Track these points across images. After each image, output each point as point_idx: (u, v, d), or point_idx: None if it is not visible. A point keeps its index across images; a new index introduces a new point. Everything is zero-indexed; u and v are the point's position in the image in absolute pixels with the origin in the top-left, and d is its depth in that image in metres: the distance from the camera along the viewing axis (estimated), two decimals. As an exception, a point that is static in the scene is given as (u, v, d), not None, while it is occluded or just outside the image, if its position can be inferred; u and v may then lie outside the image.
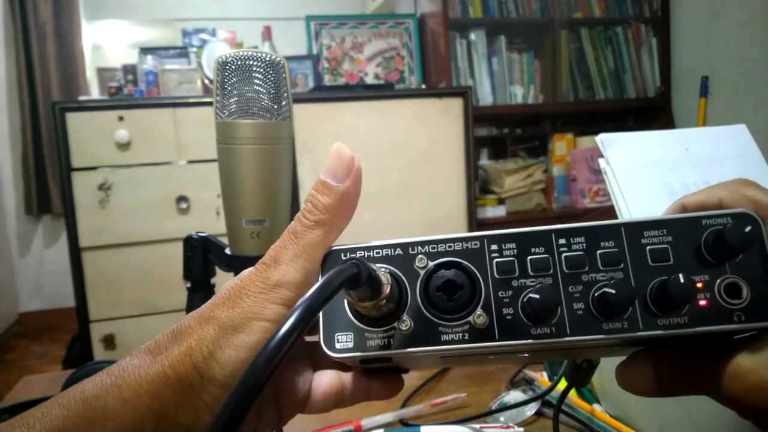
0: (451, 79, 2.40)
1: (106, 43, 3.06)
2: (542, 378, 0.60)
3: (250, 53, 0.41)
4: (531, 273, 0.22)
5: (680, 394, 0.22)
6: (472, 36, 2.46)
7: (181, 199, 1.88)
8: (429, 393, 0.62)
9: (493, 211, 2.38)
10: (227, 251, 0.44)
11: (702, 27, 2.45)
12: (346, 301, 0.22)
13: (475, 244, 0.22)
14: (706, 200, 0.24)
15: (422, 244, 0.23)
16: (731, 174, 0.69)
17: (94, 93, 2.92)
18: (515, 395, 0.58)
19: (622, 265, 0.22)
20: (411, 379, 0.65)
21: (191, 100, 1.90)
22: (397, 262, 0.23)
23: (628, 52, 2.61)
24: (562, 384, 0.55)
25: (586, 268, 0.22)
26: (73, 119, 1.79)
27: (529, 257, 0.22)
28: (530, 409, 0.55)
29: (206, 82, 2.04)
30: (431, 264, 0.22)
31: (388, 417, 0.55)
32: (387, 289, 0.21)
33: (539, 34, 2.54)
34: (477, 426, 0.52)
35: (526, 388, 0.60)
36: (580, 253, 0.22)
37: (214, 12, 3.14)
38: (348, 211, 0.26)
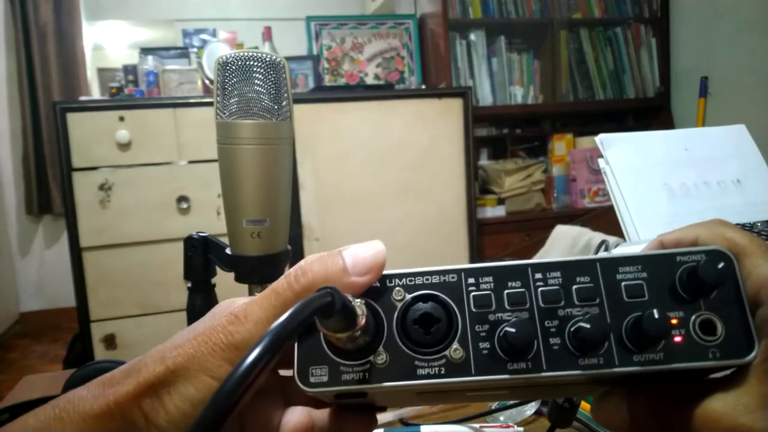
0: (451, 80, 2.41)
1: (106, 43, 3.07)
2: None
3: (250, 54, 0.41)
4: (507, 307, 0.22)
5: None
6: (472, 36, 2.46)
7: (182, 199, 1.89)
8: None
9: (492, 211, 2.39)
10: (228, 251, 0.44)
11: (701, 27, 2.45)
12: (321, 334, 0.22)
13: (453, 277, 0.22)
14: (683, 237, 0.24)
15: (400, 276, 0.22)
16: (731, 174, 0.69)
17: (95, 93, 2.92)
18: None
19: (597, 301, 0.22)
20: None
21: (192, 101, 1.91)
22: (374, 294, 0.22)
23: (627, 52, 2.62)
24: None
25: (562, 303, 0.22)
26: (74, 119, 1.79)
27: (506, 291, 0.22)
28: (530, 409, 0.55)
29: (207, 82, 2.05)
30: (408, 296, 0.22)
31: (388, 416, 0.55)
32: (362, 321, 0.21)
33: (539, 34, 2.54)
34: (477, 425, 0.52)
35: None
36: (556, 287, 0.22)
37: (214, 12, 3.15)
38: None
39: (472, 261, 2.17)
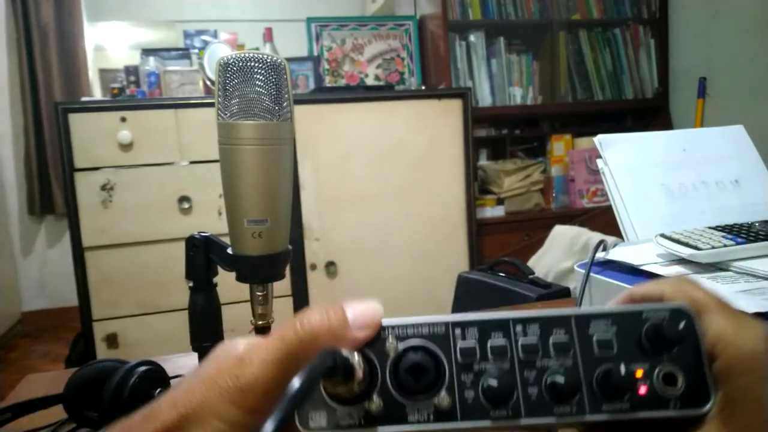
0: (450, 81, 2.42)
1: (108, 44, 3.08)
2: None
3: (251, 55, 0.42)
4: (490, 357, 0.23)
5: None
6: (472, 38, 2.48)
7: (184, 199, 1.90)
8: None
9: (492, 212, 2.40)
10: (229, 251, 0.44)
11: (700, 28, 2.46)
12: (321, 384, 0.23)
13: (441, 329, 0.24)
14: (649, 292, 0.26)
15: (393, 327, 0.24)
16: (729, 174, 0.70)
17: (97, 94, 2.93)
18: None
19: (571, 353, 0.23)
20: None
21: (193, 101, 1.92)
22: (369, 343, 0.24)
23: (626, 53, 2.63)
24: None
25: (540, 354, 0.23)
26: (76, 120, 1.80)
27: (490, 342, 0.23)
28: None
29: (208, 83, 2.06)
30: (401, 347, 0.23)
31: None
32: (360, 374, 0.22)
33: (538, 35, 2.56)
34: None
35: None
36: (534, 341, 0.24)
37: (215, 14, 3.16)
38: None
39: (472, 261, 2.18)
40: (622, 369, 0.23)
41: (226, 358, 0.24)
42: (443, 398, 0.23)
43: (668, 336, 0.23)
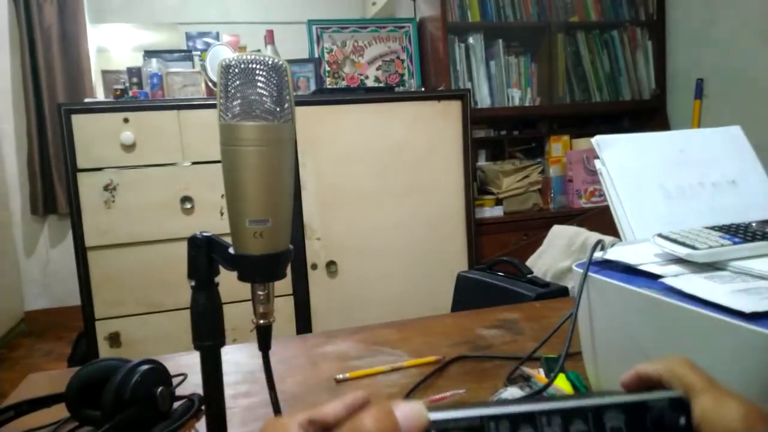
0: (450, 82, 2.43)
1: (110, 45, 3.10)
2: (539, 375, 0.61)
3: (253, 57, 0.42)
4: None
5: None
6: (471, 40, 2.49)
7: (186, 199, 1.91)
8: (428, 389, 0.63)
9: (491, 212, 2.41)
10: (231, 250, 0.44)
11: (697, 30, 2.47)
12: None
13: (477, 422, 0.27)
14: (651, 373, 0.30)
15: (434, 422, 0.26)
16: (726, 174, 0.71)
17: (99, 95, 2.94)
18: (512, 392, 0.58)
19: None
20: (410, 376, 0.66)
21: (195, 103, 1.93)
22: None
23: (623, 55, 2.64)
24: (559, 380, 0.57)
25: None
26: (79, 121, 1.82)
27: None
28: None
29: (210, 84, 2.07)
30: None
31: None
32: None
33: (536, 37, 2.57)
34: None
35: (523, 385, 0.60)
36: (558, 431, 0.27)
37: (217, 16, 3.17)
38: None
39: (471, 260, 2.19)
40: None
41: None
42: None
43: (668, 425, 0.27)
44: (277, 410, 0.47)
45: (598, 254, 0.54)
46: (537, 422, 0.27)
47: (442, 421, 0.26)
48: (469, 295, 1.24)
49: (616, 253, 0.54)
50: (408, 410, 0.26)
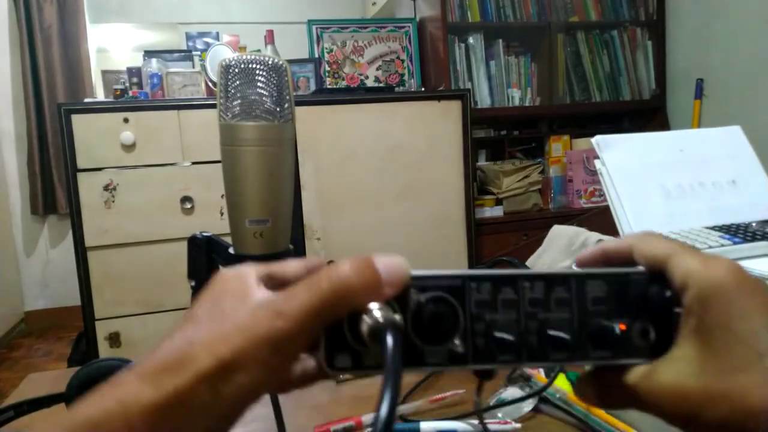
0: (450, 82, 2.43)
1: (110, 46, 3.10)
2: (539, 375, 0.61)
3: (252, 57, 0.42)
4: (500, 309, 0.26)
5: (616, 408, 0.27)
6: (471, 40, 2.49)
7: (186, 199, 1.91)
8: (428, 389, 0.63)
9: (491, 212, 2.41)
10: (231, 250, 0.45)
11: (697, 30, 2.47)
12: (346, 328, 0.25)
13: (458, 282, 0.26)
14: (621, 248, 0.29)
15: (415, 278, 0.26)
16: (726, 174, 0.71)
17: (99, 95, 2.93)
18: (513, 392, 0.58)
19: (569, 308, 0.27)
20: (410, 376, 0.66)
21: (195, 103, 1.93)
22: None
23: (623, 54, 2.64)
24: (559, 381, 0.57)
25: (543, 308, 0.26)
26: (79, 121, 1.82)
27: (500, 296, 0.26)
28: (527, 406, 0.56)
29: (210, 84, 2.07)
30: (422, 298, 0.26)
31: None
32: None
33: (536, 37, 2.57)
34: (475, 422, 0.52)
35: (524, 385, 0.60)
36: (540, 295, 0.26)
37: (217, 16, 3.18)
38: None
39: (471, 260, 2.20)
40: (609, 323, 0.26)
41: (254, 304, 0.25)
42: (457, 345, 0.25)
43: (651, 297, 0.26)
44: (277, 410, 0.47)
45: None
46: (519, 285, 0.26)
47: (423, 277, 0.26)
48: (469, 294, 1.24)
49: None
50: (389, 262, 0.25)
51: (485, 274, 0.26)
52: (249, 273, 0.27)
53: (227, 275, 0.27)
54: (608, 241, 0.30)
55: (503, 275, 0.26)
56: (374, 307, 0.24)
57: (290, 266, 0.28)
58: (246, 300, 0.25)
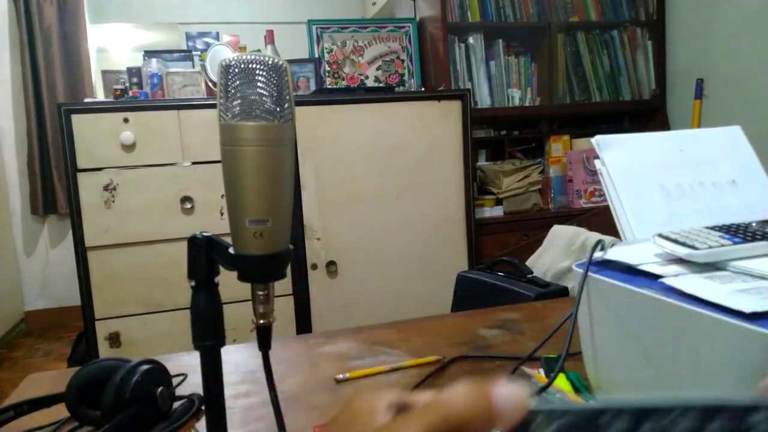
0: (450, 82, 2.43)
1: (110, 46, 3.10)
2: (539, 375, 0.61)
3: (252, 57, 0.42)
4: None
5: None
6: (471, 40, 2.49)
7: (186, 199, 1.91)
8: (429, 388, 0.63)
9: (491, 212, 2.41)
10: (231, 251, 0.44)
11: (697, 30, 2.48)
12: None
13: (583, 418, 0.22)
14: None
15: (537, 412, 0.23)
16: (726, 174, 0.71)
17: (99, 95, 2.94)
18: None
19: None
20: (410, 376, 0.66)
21: (195, 103, 1.93)
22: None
23: (623, 55, 2.64)
24: (559, 380, 0.57)
25: None
26: (79, 121, 1.82)
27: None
28: None
29: (210, 84, 2.07)
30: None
31: (388, 412, 0.57)
32: None
33: (536, 37, 2.57)
34: None
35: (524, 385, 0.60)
36: (689, 425, 0.21)
37: (217, 16, 3.18)
38: None
39: (471, 260, 2.20)
40: None
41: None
42: None
43: None
44: (277, 410, 0.47)
45: (598, 254, 0.54)
46: (662, 417, 0.21)
47: (547, 411, 0.22)
48: (469, 295, 1.24)
49: (616, 253, 0.54)
50: (509, 394, 0.23)
51: (624, 406, 0.22)
52: (381, 399, 0.26)
53: (360, 401, 0.27)
54: None
55: (646, 408, 0.21)
56: None
57: (424, 397, 0.27)
58: (367, 428, 0.25)
